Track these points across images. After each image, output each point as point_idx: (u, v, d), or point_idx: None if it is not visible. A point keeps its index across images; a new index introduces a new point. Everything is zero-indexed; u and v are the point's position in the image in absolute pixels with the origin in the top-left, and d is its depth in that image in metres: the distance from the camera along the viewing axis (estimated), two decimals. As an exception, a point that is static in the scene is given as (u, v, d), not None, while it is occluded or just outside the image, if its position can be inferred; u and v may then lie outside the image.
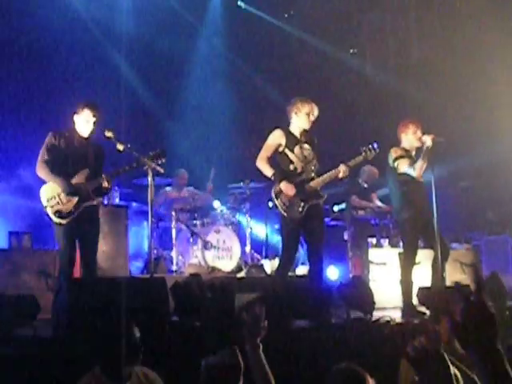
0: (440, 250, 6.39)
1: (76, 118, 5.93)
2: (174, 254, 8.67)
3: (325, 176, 6.19)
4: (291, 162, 6.13)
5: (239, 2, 12.31)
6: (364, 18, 12.45)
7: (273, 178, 6.13)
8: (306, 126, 6.22)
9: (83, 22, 9.93)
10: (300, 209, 6.02)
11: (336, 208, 9.37)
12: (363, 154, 6.26)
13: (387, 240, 8.95)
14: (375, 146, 6.27)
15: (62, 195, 5.74)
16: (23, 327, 4.91)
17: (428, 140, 6.57)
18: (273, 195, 6.11)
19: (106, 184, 5.86)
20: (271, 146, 6.18)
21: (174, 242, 8.73)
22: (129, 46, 10.77)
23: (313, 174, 6.20)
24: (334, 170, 6.17)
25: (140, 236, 8.90)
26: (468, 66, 10.32)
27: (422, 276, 6.76)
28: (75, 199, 5.76)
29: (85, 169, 5.88)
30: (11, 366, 4.26)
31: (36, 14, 9.14)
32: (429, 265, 6.60)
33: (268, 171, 6.13)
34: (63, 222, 5.72)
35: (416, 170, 6.62)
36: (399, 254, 6.96)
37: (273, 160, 6.20)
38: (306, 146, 6.22)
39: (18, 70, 9.11)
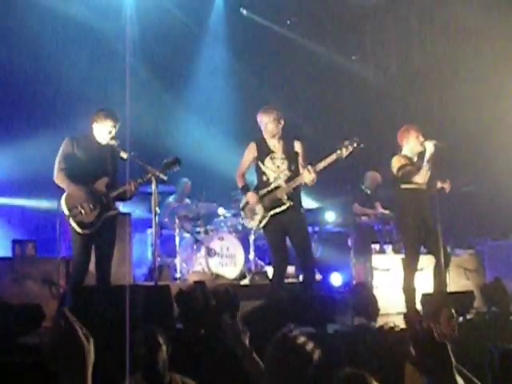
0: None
1: (96, 125, 5.91)
2: (177, 261, 8.67)
3: (290, 183, 6.22)
4: (264, 173, 6.32)
5: (241, 9, 12.33)
6: (366, 25, 12.46)
7: (241, 191, 6.46)
8: (268, 135, 6.31)
9: (88, 32, 9.98)
10: (260, 217, 6.23)
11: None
12: (337, 151, 6.06)
13: (390, 246, 8.94)
14: (351, 141, 6.04)
15: (85, 205, 5.70)
16: (28, 335, 4.92)
17: (430, 145, 6.58)
18: (240, 207, 6.45)
19: (132, 188, 5.84)
20: (245, 160, 6.47)
21: (177, 249, 8.74)
22: (132, 53, 10.79)
23: (280, 182, 6.26)
24: (300, 175, 6.19)
25: (143, 243, 8.91)
26: (470, 72, 10.32)
27: (427, 282, 6.77)
28: (97, 210, 5.74)
29: (104, 177, 5.85)
30: (16, 375, 4.26)
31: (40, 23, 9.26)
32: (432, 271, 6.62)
33: (240, 185, 6.44)
34: (85, 232, 5.72)
35: (420, 178, 6.63)
36: (402, 259, 6.97)
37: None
38: (278, 155, 6.28)
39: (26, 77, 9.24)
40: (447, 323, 4.51)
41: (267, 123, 6.27)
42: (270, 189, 6.26)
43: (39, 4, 9.34)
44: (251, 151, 6.38)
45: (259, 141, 6.37)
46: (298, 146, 6.35)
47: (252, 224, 6.36)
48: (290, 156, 6.30)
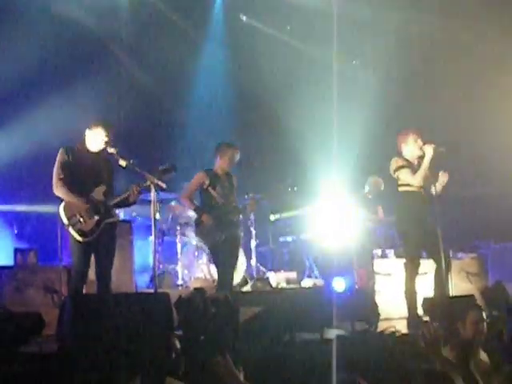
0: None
1: (88, 134, 5.94)
2: (179, 268, 8.68)
3: (240, 209, 7.25)
4: (213, 197, 7.00)
5: (241, 16, 12.35)
6: (366, 29, 12.44)
7: (195, 212, 7.16)
8: (227, 168, 7.14)
9: (86, 40, 10.01)
10: (217, 237, 6.89)
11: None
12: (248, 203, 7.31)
13: (393, 251, 8.92)
14: (257, 197, 7.55)
15: (83, 213, 5.73)
16: (28, 344, 4.93)
17: (429, 149, 6.58)
18: (194, 225, 7.18)
19: (135, 192, 5.86)
20: (194, 186, 7.11)
21: (179, 256, 8.75)
22: (130, 60, 10.83)
23: (230, 208, 7.09)
24: (242, 206, 7.31)
25: (145, 250, 8.90)
26: (472, 76, 10.31)
27: (428, 286, 6.75)
28: (96, 218, 5.77)
29: (101, 185, 5.89)
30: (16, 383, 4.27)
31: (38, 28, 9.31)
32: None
33: (191, 206, 7.16)
34: (85, 240, 5.74)
35: (416, 180, 6.63)
36: (404, 264, 6.96)
37: (199, 195, 7.14)
38: (227, 184, 7.11)
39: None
40: (473, 326, 4.48)
41: (234, 158, 7.10)
42: (223, 211, 6.98)
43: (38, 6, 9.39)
44: (202, 179, 7.05)
45: (209, 170, 7.12)
46: (235, 180, 7.25)
47: (207, 240, 7.06)
48: (233, 186, 7.19)
